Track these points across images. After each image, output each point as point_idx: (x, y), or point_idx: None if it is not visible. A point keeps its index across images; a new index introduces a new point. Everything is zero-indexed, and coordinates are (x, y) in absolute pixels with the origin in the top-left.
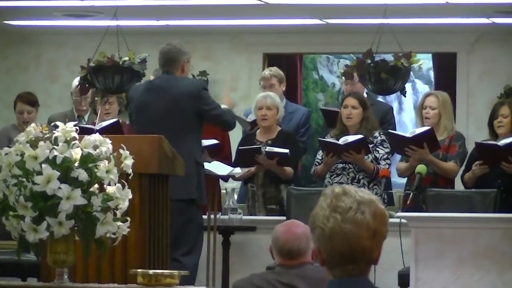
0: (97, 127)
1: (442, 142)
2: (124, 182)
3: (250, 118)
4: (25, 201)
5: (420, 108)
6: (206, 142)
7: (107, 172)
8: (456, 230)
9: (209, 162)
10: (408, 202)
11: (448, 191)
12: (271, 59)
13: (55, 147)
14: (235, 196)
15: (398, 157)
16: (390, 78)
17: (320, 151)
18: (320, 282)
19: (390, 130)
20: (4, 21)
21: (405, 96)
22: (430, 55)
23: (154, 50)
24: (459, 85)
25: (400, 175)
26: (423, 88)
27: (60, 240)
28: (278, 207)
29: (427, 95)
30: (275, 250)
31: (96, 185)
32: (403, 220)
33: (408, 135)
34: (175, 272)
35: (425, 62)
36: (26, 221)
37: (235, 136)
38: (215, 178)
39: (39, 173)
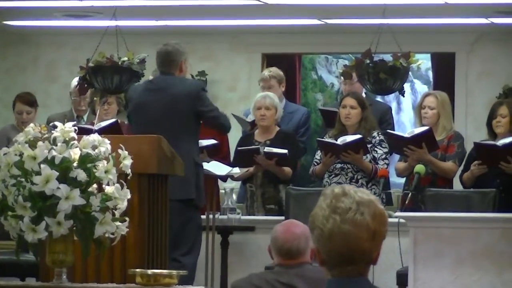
0: (96, 127)
1: (440, 142)
2: (123, 182)
3: (250, 118)
4: (24, 201)
5: (419, 108)
6: (204, 142)
7: (106, 172)
8: (455, 230)
9: (208, 162)
10: (406, 202)
11: (447, 191)
12: (270, 59)
13: (54, 147)
14: (234, 196)
15: (396, 157)
16: (389, 78)
17: (319, 151)
18: (319, 282)
19: (388, 130)
20: (3, 21)
21: (404, 96)
22: (428, 55)
23: (153, 50)
24: (458, 85)
25: (399, 175)
26: (421, 88)
27: (59, 240)
28: (277, 207)
29: (426, 95)
30: (274, 250)
31: (95, 185)
32: (402, 220)
33: (406, 135)
34: (174, 272)
35: (423, 62)
36: (25, 221)
37: (234, 136)
38: (213, 178)
39: (38, 173)
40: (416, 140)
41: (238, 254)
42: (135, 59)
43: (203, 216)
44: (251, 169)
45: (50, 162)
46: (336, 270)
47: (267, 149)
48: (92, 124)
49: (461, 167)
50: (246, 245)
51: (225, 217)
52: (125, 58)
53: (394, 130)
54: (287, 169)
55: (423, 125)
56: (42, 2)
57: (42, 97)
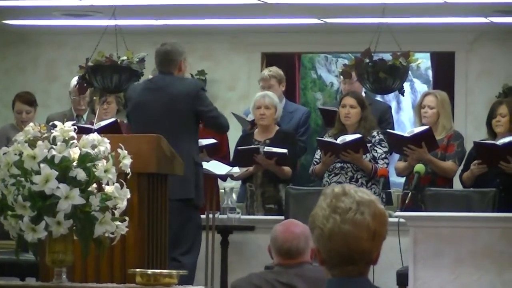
0: (96, 126)
1: (440, 142)
2: (123, 181)
3: (250, 117)
4: (23, 200)
5: (418, 108)
6: (204, 142)
7: (105, 171)
8: (455, 229)
9: (208, 162)
10: (406, 202)
11: (447, 191)
12: (269, 59)
13: (54, 146)
14: (234, 196)
15: (396, 156)
16: (389, 77)
17: (318, 151)
18: (319, 282)
19: (388, 130)
20: (3, 21)
21: (403, 96)
22: (428, 54)
23: (152, 49)
24: (458, 84)
25: (399, 174)
26: (421, 87)
27: (59, 239)
28: (277, 207)
29: (425, 94)
30: (274, 250)
31: (95, 185)
32: (402, 220)
33: (406, 134)
34: (174, 271)
35: (423, 61)
36: (25, 220)
37: (234, 135)
38: (213, 178)
39: (38, 172)
40: (415, 139)
41: (238, 254)
42: (135, 58)
43: (203, 216)
44: (251, 168)
45: (49, 161)
46: (336, 270)
47: (266, 148)
48: (92, 123)
49: (461, 167)
50: (246, 245)
51: (225, 216)
52: (125, 58)
53: (393, 130)
54: (287, 169)
55: (423, 125)
56: (41, 1)
57: (42, 97)
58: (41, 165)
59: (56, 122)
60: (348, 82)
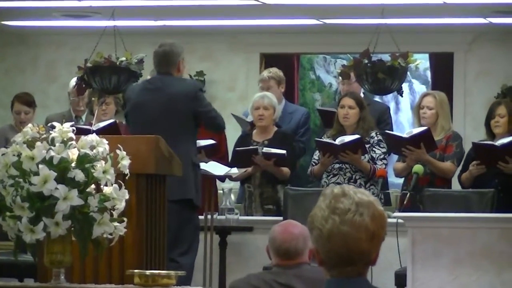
0: (94, 127)
1: (439, 142)
2: (121, 182)
3: (250, 118)
4: (22, 201)
5: (417, 108)
6: (203, 142)
7: (104, 172)
8: (453, 230)
9: (206, 162)
10: (405, 202)
11: (445, 191)
12: (268, 59)
13: (52, 147)
14: (232, 197)
15: (395, 157)
16: (387, 78)
17: (317, 151)
18: (318, 282)
19: (386, 131)
20: (2, 21)
21: (402, 96)
22: (427, 55)
23: (151, 50)
24: (456, 85)
25: (397, 175)
26: (420, 88)
27: (57, 240)
28: (275, 208)
29: (424, 95)
30: (272, 250)
31: (93, 186)
32: (400, 220)
33: (405, 135)
34: (172, 272)
35: (422, 62)
36: (23, 221)
37: (232, 136)
38: (212, 178)
39: (36, 173)
40: (414, 140)
41: (236, 255)
42: (133, 59)
43: (202, 217)
44: (249, 169)
45: (48, 162)
46: (335, 271)
47: (265, 149)
48: (90, 124)
49: (460, 167)
50: (244, 246)
51: (223, 217)
52: (123, 58)
53: (392, 130)
54: (285, 170)
55: (421, 125)
56: (40, 2)
57: (41, 97)
58: (40, 166)
59: (54, 123)
60: (347, 82)
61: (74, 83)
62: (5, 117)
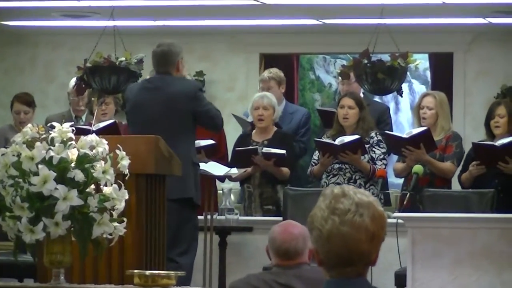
0: (94, 127)
1: (439, 142)
2: (121, 182)
3: (251, 119)
4: (21, 201)
5: (417, 108)
6: (202, 143)
7: (103, 172)
8: (453, 230)
9: (206, 163)
10: (405, 203)
11: (445, 191)
12: (268, 59)
13: (52, 147)
14: (232, 197)
15: (395, 157)
16: (387, 78)
17: (317, 152)
18: (317, 283)
19: (386, 131)
20: (1, 21)
21: (402, 96)
22: (426, 55)
23: (151, 50)
24: (456, 85)
25: (397, 175)
26: (419, 88)
27: (57, 240)
28: (275, 208)
29: (424, 95)
30: (272, 251)
31: (93, 186)
32: (400, 221)
33: (404, 135)
34: (172, 272)
35: (421, 62)
36: (23, 221)
37: (232, 136)
38: (211, 179)
39: (36, 173)
40: (414, 140)
41: (236, 255)
42: (133, 59)
43: (201, 217)
44: (249, 169)
45: (47, 162)
46: (334, 271)
47: (265, 149)
48: (90, 124)
49: (460, 168)
50: (244, 246)
51: (223, 217)
52: (123, 58)
53: (392, 130)
54: (285, 170)
55: (421, 126)
56: (39, 2)
57: (40, 97)
58: (39, 166)
59: (54, 123)
60: (347, 83)
61: (74, 83)
62: (5, 117)
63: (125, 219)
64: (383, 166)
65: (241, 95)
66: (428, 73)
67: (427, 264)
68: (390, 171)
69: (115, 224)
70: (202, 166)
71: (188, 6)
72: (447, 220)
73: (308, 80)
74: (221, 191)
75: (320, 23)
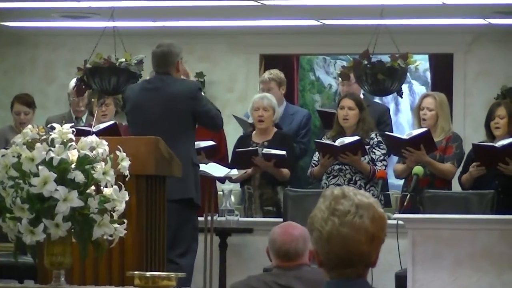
0: (95, 129)
1: (439, 143)
2: (121, 183)
3: (251, 119)
4: (21, 203)
5: (417, 109)
6: (202, 144)
7: (103, 173)
8: (454, 231)
9: (206, 164)
10: (405, 204)
11: (445, 192)
12: (268, 60)
13: (52, 148)
14: (232, 198)
15: (395, 158)
16: (387, 79)
17: (317, 153)
18: (318, 284)
19: (386, 132)
20: (1, 22)
21: (402, 97)
22: (426, 56)
23: (150, 51)
24: (456, 86)
25: (397, 176)
26: (419, 89)
27: (57, 242)
28: (275, 209)
29: (424, 96)
30: (272, 252)
31: (93, 187)
32: (400, 222)
33: (404, 136)
34: (172, 274)
35: (421, 63)
36: (23, 223)
37: (232, 137)
38: (211, 180)
39: (36, 175)
40: (414, 141)
41: (236, 256)
42: (133, 60)
43: (201, 218)
44: (249, 170)
45: (48, 163)
46: (334, 272)
47: (265, 150)
48: (90, 125)
49: (460, 169)
50: (244, 247)
51: (223, 219)
52: (123, 59)
53: (392, 131)
54: (285, 171)
55: (421, 127)
56: (39, 3)
57: (40, 98)
58: (40, 167)
59: (54, 124)
60: (347, 84)
61: (74, 84)
62: (5, 118)
63: (125, 221)
64: (383, 167)
65: (241, 96)
66: (428, 74)
67: (427, 265)
68: (390, 172)
69: (116, 225)
70: (202, 167)
71: (188, 7)
72: (447, 221)
73: (308, 81)
74: (221, 192)
75: (320, 24)
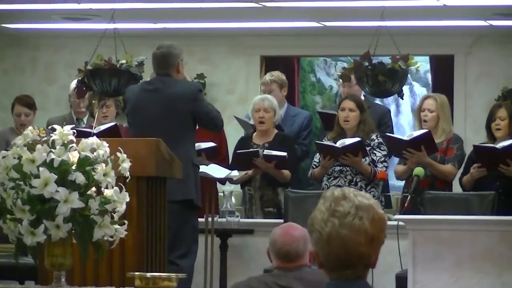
0: (95, 130)
1: (440, 145)
2: (122, 185)
3: (252, 121)
4: (22, 204)
5: (418, 111)
6: (203, 145)
7: (104, 175)
8: (454, 232)
9: (207, 165)
10: (406, 205)
11: (446, 194)
12: (268, 62)
13: (53, 150)
14: (233, 199)
15: (396, 159)
16: (388, 80)
17: (317, 154)
18: (318, 285)
19: (387, 133)
20: (1, 24)
21: (403, 99)
22: (427, 58)
23: (151, 53)
24: (457, 87)
25: (398, 177)
26: (420, 90)
27: (58, 243)
28: (276, 210)
29: (425, 98)
30: (273, 253)
31: (94, 188)
32: (401, 223)
33: (405, 138)
34: (173, 275)
35: (422, 64)
36: (24, 224)
37: (233, 138)
38: (212, 181)
39: (37, 176)
40: (415, 142)
41: (237, 257)
42: (134, 61)
43: (202, 219)
44: (250, 172)
45: (48, 165)
46: (334, 274)
47: (266, 151)
48: (91, 127)
49: (461, 170)
50: (245, 248)
51: (224, 220)
52: (123, 61)
53: (393, 133)
54: (286, 172)
55: (422, 128)
56: (40, 5)
57: (40, 100)
58: (40, 168)
59: (55, 126)
60: (347, 85)
61: (75, 86)
62: (6, 119)
63: (126, 222)
64: (384, 169)
65: (241, 98)
66: (429, 76)
67: (428, 266)
68: (391, 174)
69: (116, 226)
70: (203, 168)
71: (188, 8)
72: (448, 223)
73: (309, 83)
74: (222, 194)
75: (321, 25)
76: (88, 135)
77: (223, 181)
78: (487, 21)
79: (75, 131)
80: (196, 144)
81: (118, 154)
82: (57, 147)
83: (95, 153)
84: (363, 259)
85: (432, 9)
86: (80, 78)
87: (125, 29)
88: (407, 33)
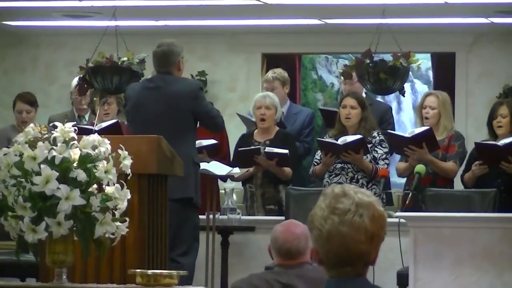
0: (97, 127)
1: (441, 142)
2: (123, 182)
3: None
4: (24, 201)
5: (420, 108)
6: (204, 142)
7: (105, 172)
8: (455, 230)
9: (208, 162)
10: (407, 202)
11: (447, 191)
12: (269, 59)
13: (54, 147)
14: (234, 196)
15: (397, 157)
16: (389, 78)
17: (319, 151)
18: (319, 282)
19: (389, 130)
20: (2, 21)
21: (404, 96)
22: (429, 55)
23: (152, 50)
24: (458, 85)
25: (400, 175)
26: (422, 88)
27: (59, 240)
28: (277, 207)
29: (427, 95)
30: (274, 250)
31: (95, 186)
32: (402, 220)
33: (407, 135)
34: (174, 272)
35: (423, 62)
36: (25, 221)
37: (234, 136)
38: (213, 178)
39: (38, 173)
40: (416, 140)
41: (238, 255)
42: (135, 59)
43: (203, 217)
44: (251, 169)
45: (50, 162)
46: (334, 271)
47: (267, 149)
48: (92, 124)
49: (462, 167)
50: (246, 245)
51: (225, 217)
52: (125, 58)
53: (394, 130)
54: (288, 170)
55: (424, 125)
56: (41, 2)
57: (41, 98)
58: (42, 166)
59: (56, 123)
60: (349, 82)
61: (76, 83)
62: (7, 117)
63: (127, 219)
64: (386, 166)
65: (242, 95)
66: (430, 73)
67: (429, 263)
68: (392, 171)
69: (117, 223)
70: (204, 165)
71: (189, 6)
72: (449, 220)
73: (310, 80)
74: (223, 191)
75: (322, 23)
76: (89, 132)
77: (224, 178)
78: (488, 18)
79: (76, 128)
80: (198, 141)
81: (120, 151)
82: (59, 144)
83: (96, 150)
84: (363, 257)
85: (433, 6)
86: (81, 76)
87: (127, 26)
88: (408, 31)
